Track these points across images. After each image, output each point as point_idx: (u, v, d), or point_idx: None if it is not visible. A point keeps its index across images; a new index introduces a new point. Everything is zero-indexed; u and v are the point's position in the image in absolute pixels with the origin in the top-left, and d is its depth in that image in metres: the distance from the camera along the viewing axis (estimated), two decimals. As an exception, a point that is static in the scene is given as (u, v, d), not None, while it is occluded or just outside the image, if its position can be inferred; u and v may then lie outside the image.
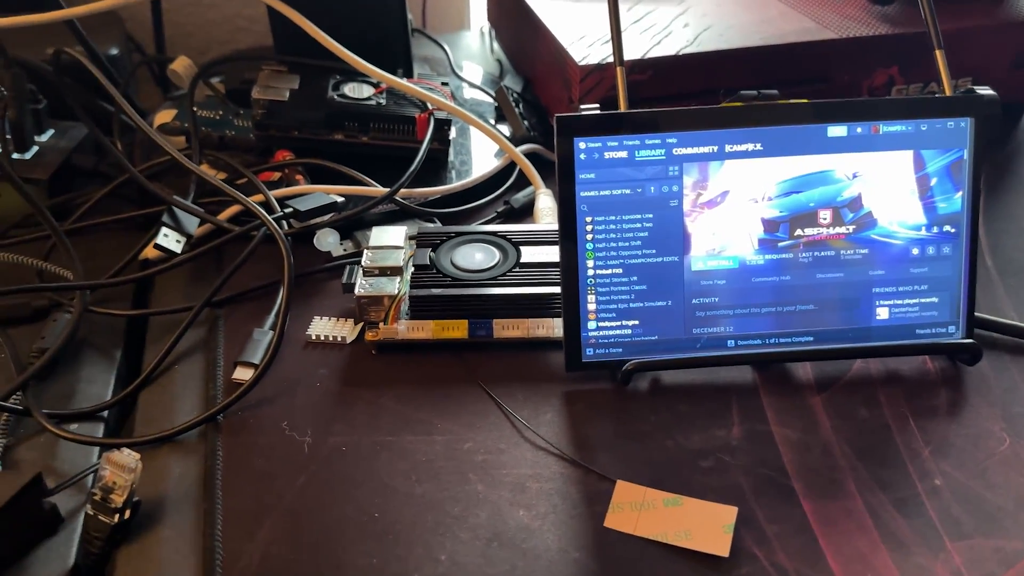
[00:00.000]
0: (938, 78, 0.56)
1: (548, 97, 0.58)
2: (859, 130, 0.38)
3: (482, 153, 0.56)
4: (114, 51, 0.58)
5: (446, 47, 0.66)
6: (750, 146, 0.38)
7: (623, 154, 0.37)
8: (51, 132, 0.54)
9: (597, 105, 0.38)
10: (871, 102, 0.38)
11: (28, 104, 0.51)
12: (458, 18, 0.82)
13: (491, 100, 0.61)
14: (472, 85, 0.63)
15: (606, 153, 0.37)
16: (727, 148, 0.38)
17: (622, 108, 0.39)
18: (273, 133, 0.51)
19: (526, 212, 0.52)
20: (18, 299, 0.43)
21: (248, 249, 0.44)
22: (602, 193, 0.38)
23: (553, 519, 0.33)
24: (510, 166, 0.54)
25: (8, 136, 0.51)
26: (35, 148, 0.52)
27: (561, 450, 0.36)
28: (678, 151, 0.38)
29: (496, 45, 0.72)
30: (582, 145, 0.37)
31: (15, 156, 0.51)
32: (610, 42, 0.53)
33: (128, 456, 0.33)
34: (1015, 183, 0.54)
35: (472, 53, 0.73)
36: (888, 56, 0.55)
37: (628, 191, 0.38)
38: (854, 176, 0.39)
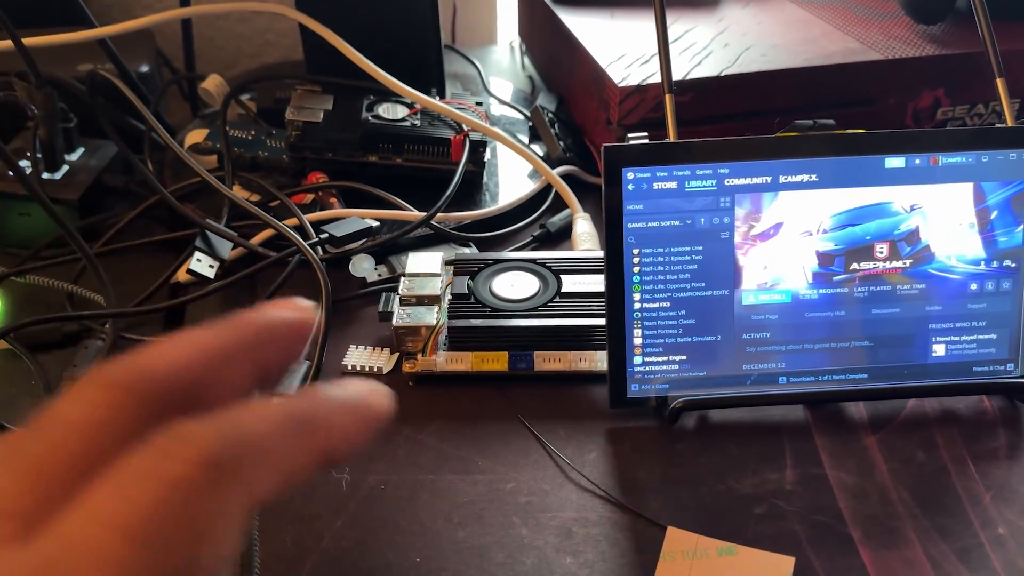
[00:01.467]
0: (994, 103, 0.54)
1: (584, 117, 0.57)
2: (918, 161, 0.37)
3: (512, 174, 0.55)
4: (145, 68, 0.58)
5: (478, 64, 0.65)
6: (805, 177, 0.36)
7: (673, 185, 0.36)
8: (81, 150, 0.53)
9: (645, 134, 0.37)
10: (930, 133, 0.37)
11: (59, 123, 0.50)
12: (487, 33, 0.81)
13: (523, 118, 0.60)
14: (504, 103, 0.61)
15: (655, 184, 0.36)
16: (781, 179, 0.36)
17: (671, 137, 0.37)
18: (308, 155, 0.50)
19: (563, 236, 0.50)
20: (49, 324, 0.42)
21: (283, 276, 0.43)
22: (650, 225, 0.37)
23: (602, 568, 0.32)
24: (546, 188, 0.53)
25: (39, 156, 0.50)
26: (65, 167, 0.51)
27: (608, 492, 0.35)
28: (730, 182, 0.36)
29: (527, 61, 0.71)
30: (630, 176, 0.36)
31: (45, 176, 0.50)
32: (649, 62, 0.52)
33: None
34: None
35: (501, 68, 0.72)
36: (934, 78, 0.53)
37: (677, 222, 0.37)
38: (912, 209, 0.37)
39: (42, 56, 0.48)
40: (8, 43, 0.45)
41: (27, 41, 0.46)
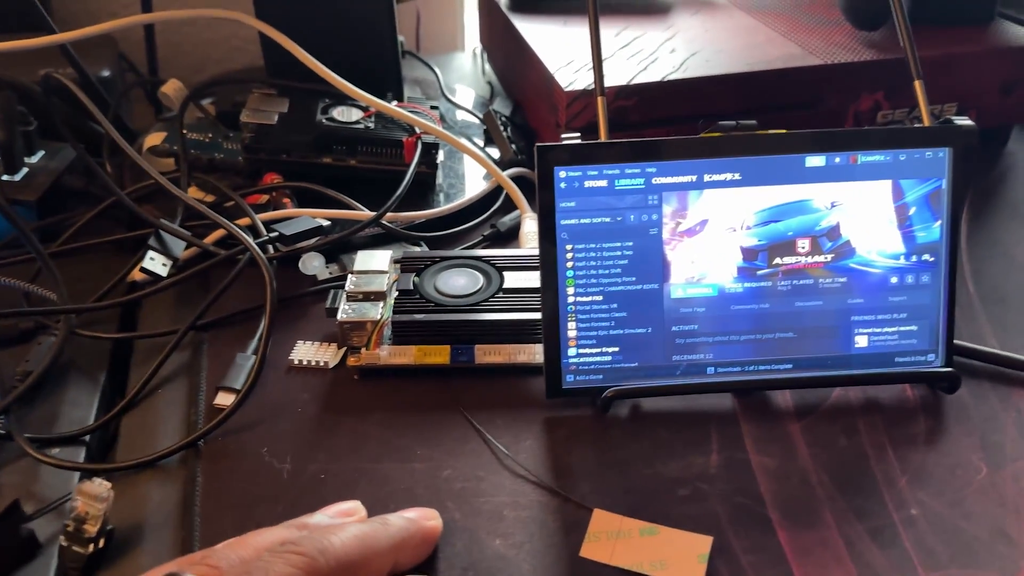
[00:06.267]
0: (933, 107, 0.56)
1: (536, 121, 0.59)
2: (837, 160, 0.38)
3: (474, 176, 0.56)
4: (106, 73, 0.59)
5: (436, 70, 0.67)
6: (729, 176, 0.38)
7: (603, 183, 0.38)
8: (42, 153, 0.54)
9: (578, 134, 0.38)
10: (849, 132, 0.39)
11: (18, 126, 0.51)
12: (452, 39, 0.82)
13: (479, 121, 0.61)
14: (459, 107, 0.63)
15: (586, 182, 0.38)
16: (706, 177, 0.38)
17: (602, 137, 0.39)
18: (262, 156, 0.52)
19: (512, 235, 0.52)
20: (5, 321, 0.43)
21: (232, 273, 0.44)
22: (582, 221, 0.38)
23: (529, 548, 0.33)
24: (499, 189, 0.55)
25: (-1, 158, 0.51)
26: (25, 169, 0.52)
27: (540, 478, 0.36)
28: (657, 180, 0.38)
29: (488, 67, 0.73)
30: (562, 174, 0.38)
31: (5, 178, 0.51)
32: (597, 67, 0.54)
33: (99, 486, 0.33)
34: (1001, 208, 0.55)
35: (465, 75, 0.74)
36: (874, 81, 0.55)
37: (608, 219, 0.38)
38: (832, 205, 0.39)
39: (2, 60, 0.49)
40: (-34, 48, 0.46)
41: (-15, 46, 0.47)
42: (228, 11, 0.55)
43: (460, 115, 0.63)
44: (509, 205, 0.54)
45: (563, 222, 0.38)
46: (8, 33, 0.52)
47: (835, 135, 0.38)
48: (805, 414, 0.39)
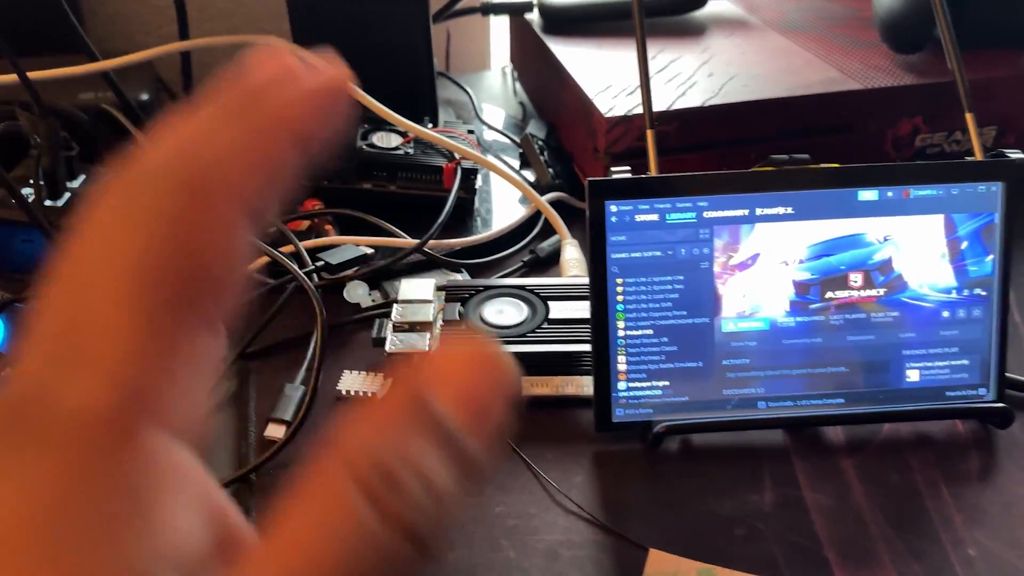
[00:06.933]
0: (966, 130, 0.56)
1: (573, 144, 0.59)
2: (890, 194, 0.38)
3: (505, 199, 0.56)
4: (145, 96, 0.59)
5: (471, 92, 0.67)
6: (781, 209, 0.38)
7: (654, 217, 0.38)
8: (83, 178, 0.54)
9: (628, 168, 0.38)
10: (902, 167, 0.38)
11: (61, 152, 0.52)
12: (480, 58, 0.82)
13: (513, 144, 0.61)
14: (495, 130, 0.63)
15: (637, 216, 0.38)
16: (758, 211, 0.38)
17: (652, 171, 0.39)
18: (303, 183, 0.52)
19: (552, 261, 0.52)
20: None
21: (279, 302, 0.44)
22: (633, 255, 0.38)
23: (586, 588, 0.33)
24: (537, 214, 0.55)
25: (41, 183, 0.51)
26: (68, 195, 0.53)
27: (593, 515, 0.36)
28: (709, 214, 0.38)
29: (518, 86, 0.73)
30: (613, 208, 0.38)
31: (48, 203, 0.52)
32: (634, 93, 0.54)
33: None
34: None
35: (494, 94, 0.74)
36: (913, 106, 0.55)
37: (659, 253, 0.38)
38: (885, 239, 0.39)
39: (44, 84, 0.49)
40: (13, 76, 0.47)
41: (31, 74, 0.47)
42: (267, 37, 0.55)
43: (491, 135, 0.63)
44: (548, 230, 0.54)
45: (614, 256, 0.38)
46: (45, 51, 0.53)
47: (887, 169, 0.38)
48: (857, 450, 0.39)
